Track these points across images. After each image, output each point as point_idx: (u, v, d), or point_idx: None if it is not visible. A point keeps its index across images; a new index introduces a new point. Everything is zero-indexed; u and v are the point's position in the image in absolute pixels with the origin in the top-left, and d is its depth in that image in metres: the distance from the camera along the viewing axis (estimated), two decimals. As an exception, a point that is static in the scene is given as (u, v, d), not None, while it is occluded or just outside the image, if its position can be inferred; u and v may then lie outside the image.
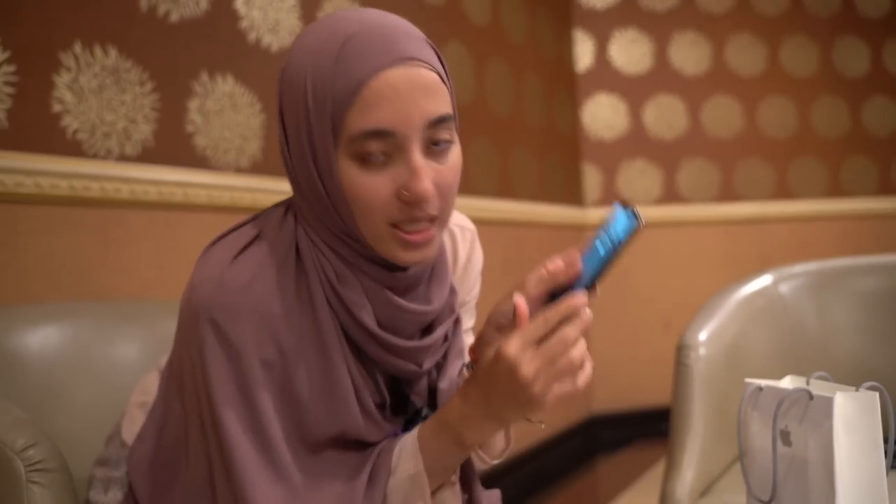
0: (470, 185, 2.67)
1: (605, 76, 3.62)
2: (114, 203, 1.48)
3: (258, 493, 0.73)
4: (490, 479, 0.93)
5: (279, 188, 1.74)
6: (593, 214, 3.46)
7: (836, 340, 1.48)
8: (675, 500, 1.17)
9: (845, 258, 1.59)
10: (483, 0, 2.87)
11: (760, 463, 0.96)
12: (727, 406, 1.19)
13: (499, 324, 0.78)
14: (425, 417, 0.84)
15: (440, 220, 0.77)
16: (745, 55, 3.71)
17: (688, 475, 1.19)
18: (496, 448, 0.88)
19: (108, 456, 0.93)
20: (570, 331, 0.70)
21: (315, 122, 0.73)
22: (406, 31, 0.75)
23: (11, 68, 1.32)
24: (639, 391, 3.37)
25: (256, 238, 0.79)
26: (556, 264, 0.74)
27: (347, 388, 0.78)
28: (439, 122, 0.74)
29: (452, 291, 0.87)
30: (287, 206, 0.83)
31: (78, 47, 1.43)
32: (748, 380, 1.00)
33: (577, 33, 3.62)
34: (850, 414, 0.86)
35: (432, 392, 0.87)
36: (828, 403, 0.86)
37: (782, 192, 3.71)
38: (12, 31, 1.33)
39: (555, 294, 0.75)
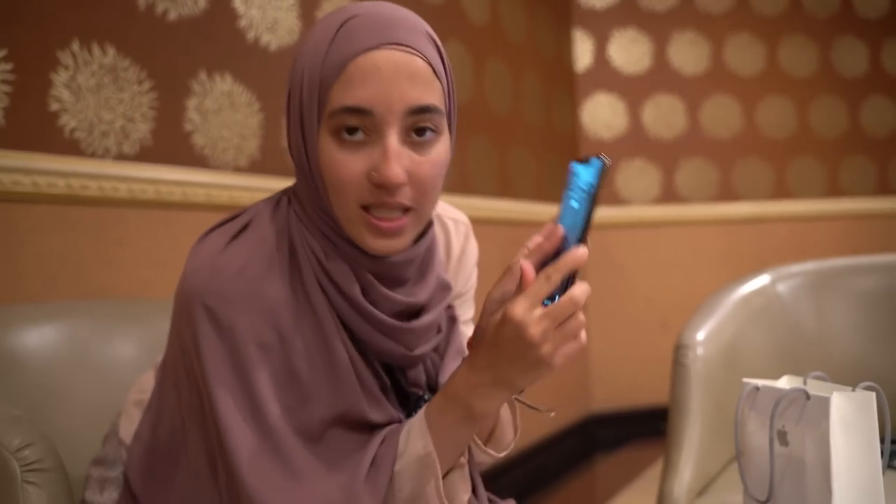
0: (469, 184, 2.67)
1: (605, 76, 3.62)
2: (112, 202, 1.48)
3: (256, 477, 0.72)
4: (488, 478, 0.92)
5: (278, 187, 1.74)
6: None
7: (834, 340, 1.48)
8: (672, 499, 1.17)
9: (843, 258, 1.60)
10: (482, -1, 2.87)
11: (757, 463, 0.97)
12: (725, 406, 1.19)
13: (493, 311, 0.77)
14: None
15: (415, 212, 0.76)
16: (744, 55, 3.71)
17: (685, 475, 1.19)
18: (505, 439, 0.86)
19: (105, 455, 0.93)
20: (578, 290, 0.70)
21: (305, 99, 0.75)
22: (407, 21, 0.76)
23: (9, 66, 1.32)
24: (637, 390, 3.37)
25: (248, 225, 0.80)
26: (535, 239, 0.74)
27: (346, 364, 0.77)
28: (422, 111, 0.74)
29: (445, 287, 0.86)
30: (282, 193, 0.84)
31: (76, 46, 1.43)
32: (745, 380, 1.01)
33: (577, 33, 3.62)
34: (847, 414, 0.86)
35: (433, 390, 0.87)
36: (825, 403, 0.86)
37: (781, 191, 3.71)
38: (10, 30, 1.32)
39: (546, 266, 0.74)
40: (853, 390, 0.88)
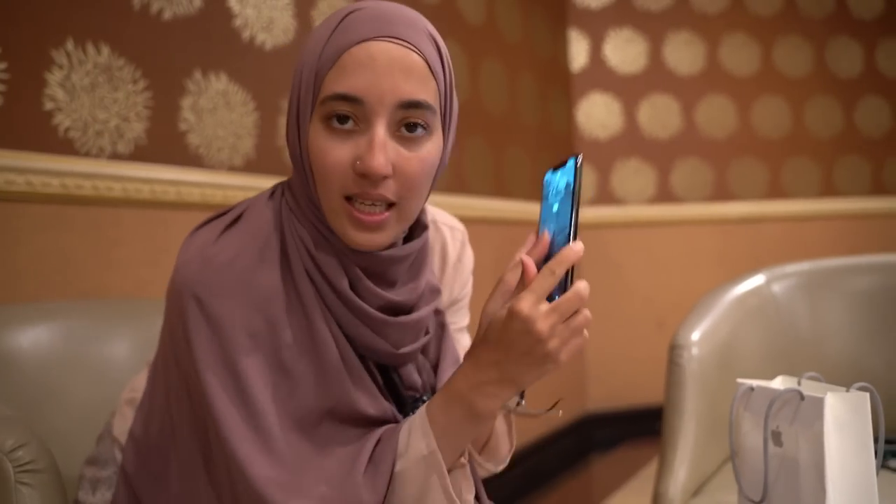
0: (464, 183, 2.67)
1: (600, 75, 3.62)
2: (106, 201, 1.47)
3: (251, 465, 0.71)
4: (484, 479, 0.92)
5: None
6: (587, 214, 3.46)
7: (829, 340, 1.48)
8: (667, 499, 1.17)
9: (838, 258, 1.60)
10: (478, -1, 2.87)
11: (752, 463, 0.97)
12: (719, 406, 1.19)
13: (492, 315, 0.76)
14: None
15: (398, 208, 0.76)
16: (739, 55, 3.72)
17: (680, 475, 1.19)
18: (500, 451, 0.86)
19: (98, 455, 0.93)
20: (581, 285, 0.69)
21: (303, 88, 0.75)
22: (408, 18, 0.76)
23: (3, 65, 1.32)
24: (633, 390, 3.37)
25: (241, 217, 0.80)
26: (523, 249, 0.74)
27: (334, 354, 0.76)
28: (413, 105, 0.73)
29: (434, 290, 0.86)
30: (278, 185, 0.84)
31: (70, 45, 1.43)
32: (740, 380, 1.01)
33: (572, 32, 3.62)
34: (841, 414, 0.86)
35: (430, 393, 0.86)
36: (819, 404, 0.87)
37: (776, 191, 3.72)
38: (4, 28, 1.32)
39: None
40: (847, 391, 0.88)
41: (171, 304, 0.77)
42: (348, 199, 0.74)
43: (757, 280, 1.49)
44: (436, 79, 0.76)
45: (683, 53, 3.68)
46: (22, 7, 1.35)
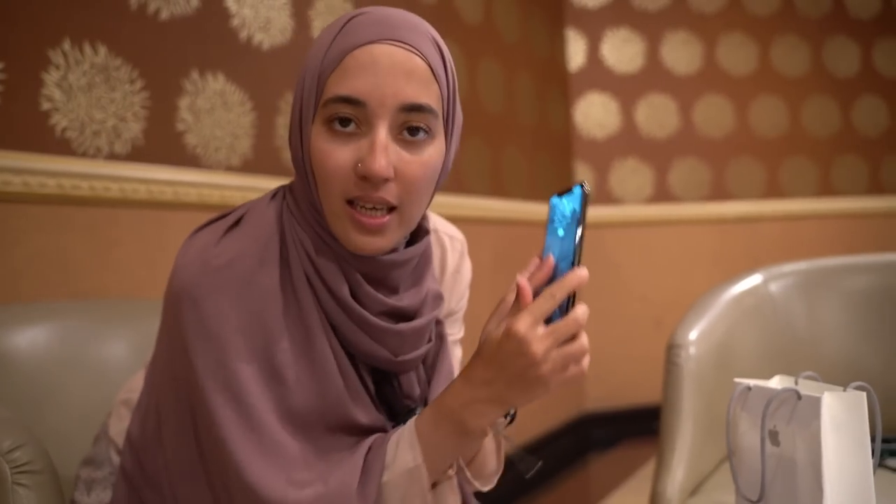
0: (462, 183, 2.67)
1: (598, 75, 3.62)
2: (103, 202, 1.47)
3: (247, 465, 0.71)
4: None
5: (270, 187, 1.73)
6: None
7: (826, 340, 1.48)
8: (665, 499, 1.18)
9: (835, 257, 1.60)
10: (475, -2, 2.87)
11: (749, 463, 0.97)
12: (717, 405, 1.19)
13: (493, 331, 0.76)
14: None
15: (399, 212, 0.75)
16: (737, 55, 3.72)
17: (678, 474, 1.19)
18: (486, 467, 0.85)
19: (94, 456, 0.93)
20: (580, 311, 0.69)
21: (306, 91, 0.75)
22: (412, 23, 0.76)
23: (0, 65, 1.32)
24: (630, 389, 3.37)
25: (242, 220, 0.80)
26: (525, 272, 0.73)
27: (329, 360, 0.76)
28: (415, 109, 0.73)
29: (437, 297, 0.86)
30: (280, 188, 0.84)
31: (67, 45, 1.43)
32: (737, 379, 1.01)
33: (570, 32, 3.62)
34: (838, 414, 0.86)
35: (425, 404, 0.86)
36: (816, 403, 0.87)
37: (773, 191, 3.73)
38: (0, 29, 1.32)
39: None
40: (844, 390, 0.88)
41: (169, 305, 0.77)
42: (350, 202, 0.74)
43: (754, 279, 1.49)
44: (438, 83, 0.76)
45: (681, 53, 3.68)
46: (18, 7, 1.35)
